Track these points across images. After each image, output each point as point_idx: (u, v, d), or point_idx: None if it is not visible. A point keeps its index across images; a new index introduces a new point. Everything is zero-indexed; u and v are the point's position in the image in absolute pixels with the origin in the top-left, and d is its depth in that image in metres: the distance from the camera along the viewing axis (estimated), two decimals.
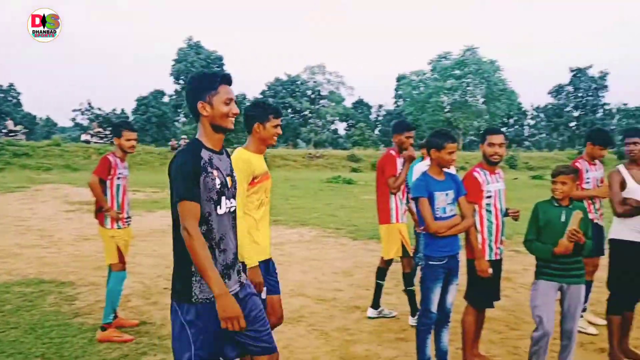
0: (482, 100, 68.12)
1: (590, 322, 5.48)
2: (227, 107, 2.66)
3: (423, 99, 67.95)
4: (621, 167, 4.70)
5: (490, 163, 4.31)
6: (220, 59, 69.01)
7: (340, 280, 7.40)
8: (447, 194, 4.08)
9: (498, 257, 4.33)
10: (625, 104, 77.32)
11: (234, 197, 2.79)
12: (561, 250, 3.81)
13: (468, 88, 67.54)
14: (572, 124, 75.75)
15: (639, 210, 4.48)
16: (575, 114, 75.86)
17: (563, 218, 3.88)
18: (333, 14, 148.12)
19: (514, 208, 4.48)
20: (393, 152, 5.53)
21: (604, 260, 5.33)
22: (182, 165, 2.56)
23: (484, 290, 4.33)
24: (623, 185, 4.59)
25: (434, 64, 69.04)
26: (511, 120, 78.62)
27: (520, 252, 8.86)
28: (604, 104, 75.20)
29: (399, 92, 76.43)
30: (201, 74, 2.72)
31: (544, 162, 47.21)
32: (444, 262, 4.08)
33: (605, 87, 74.08)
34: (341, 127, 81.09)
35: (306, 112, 73.30)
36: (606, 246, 5.02)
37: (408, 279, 5.55)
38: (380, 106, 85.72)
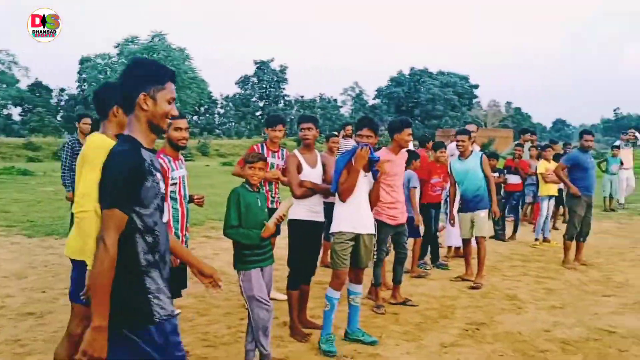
0: None
1: (273, 299, 5.79)
2: (169, 106, 2.33)
3: None
4: (297, 152, 5.02)
5: (177, 148, 4.17)
6: None
7: (11, 284, 6.44)
8: None
9: (184, 245, 4.21)
10: (302, 96, 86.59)
11: None
12: (268, 234, 3.95)
13: None
14: (258, 113, 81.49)
15: (314, 192, 4.85)
16: (261, 103, 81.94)
17: (259, 203, 4.02)
18: None
19: (198, 194, 4.42)
20: None
21: (281, 241, 5.70)
22: (126, 167, 2.14)
23: (173, 280, 4.15)
24: (300, 168, 4.91)
25: (121, 47, 66.19)
26: (202, 109, 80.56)
27: (211, 238, 9.00)
28: (285, 95, 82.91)
29: (84, 76, 71.16)
30: (150, 62, 2.36)
31: (234, 149, 49.76)
32: None
33: (286, 79, 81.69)
34: (15, 112, 72.41)
35: None
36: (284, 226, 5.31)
37: None
38: (62, 90, 78.61)
